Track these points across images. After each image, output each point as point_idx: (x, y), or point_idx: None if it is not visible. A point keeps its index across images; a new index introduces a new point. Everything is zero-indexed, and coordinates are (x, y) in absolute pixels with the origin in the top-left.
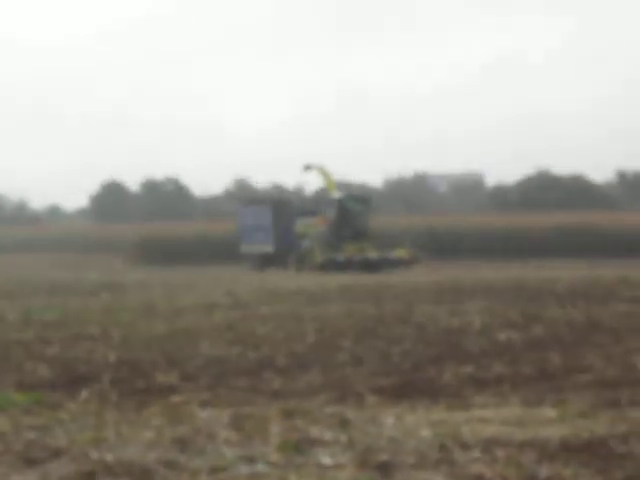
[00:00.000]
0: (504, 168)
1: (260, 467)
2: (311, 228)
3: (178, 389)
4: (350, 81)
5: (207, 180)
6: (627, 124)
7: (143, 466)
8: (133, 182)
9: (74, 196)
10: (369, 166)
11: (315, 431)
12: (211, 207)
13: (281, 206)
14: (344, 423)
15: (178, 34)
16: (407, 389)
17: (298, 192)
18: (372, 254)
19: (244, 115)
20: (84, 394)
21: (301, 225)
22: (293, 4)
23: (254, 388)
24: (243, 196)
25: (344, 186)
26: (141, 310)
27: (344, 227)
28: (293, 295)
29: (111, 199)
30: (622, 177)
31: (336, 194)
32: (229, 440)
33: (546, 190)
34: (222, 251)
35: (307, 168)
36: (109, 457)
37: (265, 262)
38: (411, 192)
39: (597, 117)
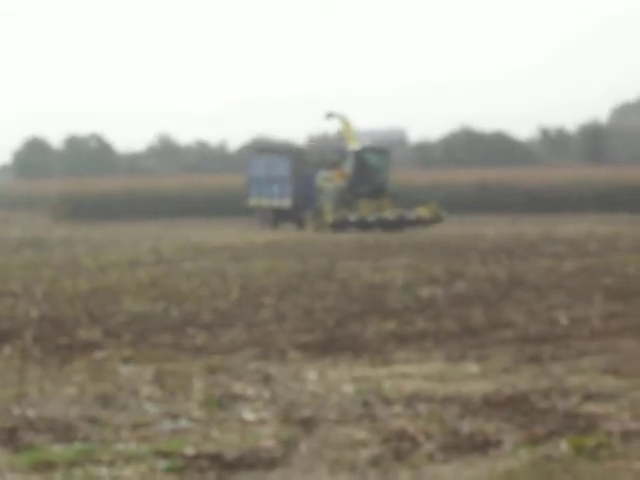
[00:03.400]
0: (427, 125)
1: (183, 423)
2: (328, 182)
3: (101, 345)
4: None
5: (130, 136)
6: (550, 82)
7: (66, 422)
8: (56, 138)
9: None
10: (292, 122)
11: (238, 387)
12: (135, 163)
13: (300, 156)
14: (267, 379)
15: None
16: (330, 345)
17: (221, 148)
18: (389, 213)
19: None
20: (6, 350)
21: (321, 179)
22: None
23: (177, 344)
24: (255, 145)
25: (266, 142)
26: (64, 267)
27: (361, 182)
28: (218, 251)
29: (34, 156)
30: (544, 134)
31: (354, 146)
32: (152, 396)
33: (469, 147)
34: (147, 207)
35: (329, 116)
36: (31, 413)
37: (279, 218)
38: (334, 148)
39: (521, 77)
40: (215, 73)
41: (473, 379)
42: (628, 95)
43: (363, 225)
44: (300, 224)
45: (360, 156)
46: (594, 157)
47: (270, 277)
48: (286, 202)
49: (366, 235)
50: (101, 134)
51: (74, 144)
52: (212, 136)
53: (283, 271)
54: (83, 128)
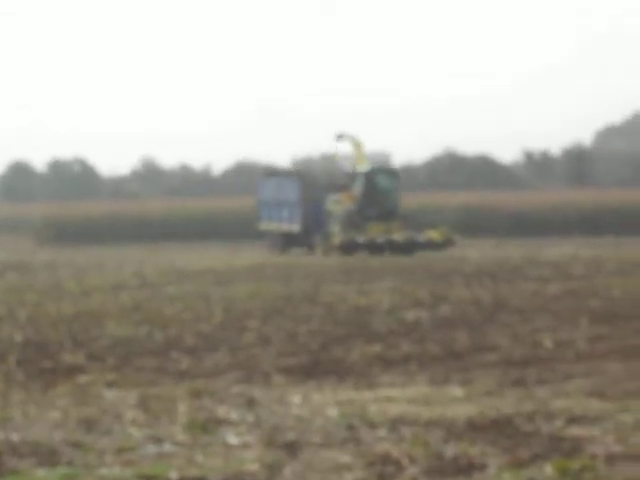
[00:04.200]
0: (411, 148)
1: (167, 447)
2: (337, 206)
3: (85, 369)
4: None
5: (114, 160)
6: (535, 105)
7: (49, 446)
8: (40, 162)
9: None
10: (275, 145)
11: (222, 411)
12: (118, 187)
13: (309, 179)
14: (251, 402)
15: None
16: (314, 368)
17: (205, 172)
18: (398, 235)
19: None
20: None
21: (330, 202)
22: None
23: (161, 368)
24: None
25: (250, 165)
26: (48, 290)
27: (370, 205)
28: (201, 275)
29: (18, 180)
30: (529, 157)
31: (363, 167)
32: (136, 420)
33: (453, 170)
34: (131, 231)
35: (340, 137)
36: (15, 437)
37: (289, 242)
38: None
39: (505, 99)
40: (205, 83)
41: (457, 402)
42: (613, 118)
43: (372, 247)
44: (310, 249)
45: (369, 178)
46: (578, 180)
47: (254, 301)
48: (295, 226)
49: (351, 258)
50: (85, 158)
51: (58, 168)
52: (199, 155)
53: (267, 294)
54: (67, 152)
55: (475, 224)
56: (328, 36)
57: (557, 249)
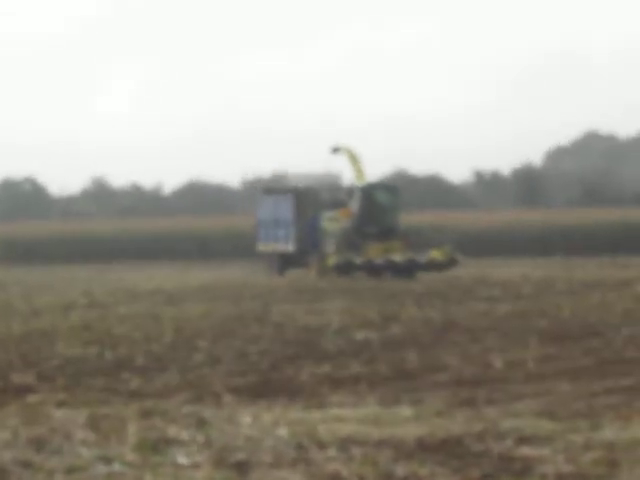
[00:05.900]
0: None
1: (117, 467)
2: (333, 223)
3: (34, 389)
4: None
5: (65, 179)
6: (485, 125)
7: None
8: None
9: None
10: (226, 167)
11: (172, 431)
12: (69, 207)
13: (306, 196)
14: (201, 422)
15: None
16: (264, 388)
17: (156, 191)
18: (398, 256)
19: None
20: None
21: (325, 219)
22: None
23: (111, 388)
24: (259, 184)
25: (201, 185)
26: None
27: (368, 222)
28: (151, 295)
29: None
30: (479, 177)
31: (361, 182)
32: (86, 440)
33: (404, 190)
34: (80, 250)
35: (335, 150)
36: None
37: (285, 264)
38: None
39: (455, 120)
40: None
41: (407, 422)
42: (562, 138)
43: (370, 269)
44: (307, 270)
45: (367, 193)
46: (528, 200)
47: (204, 320)
48: (290, 246)
49: (304, 279)
50: (35, 177)
51: (8, 187)
52: (147, 179)
53: (217, 314)
54: (17, 171)
55: (425, 244)
56: None
57: (507, 269)
